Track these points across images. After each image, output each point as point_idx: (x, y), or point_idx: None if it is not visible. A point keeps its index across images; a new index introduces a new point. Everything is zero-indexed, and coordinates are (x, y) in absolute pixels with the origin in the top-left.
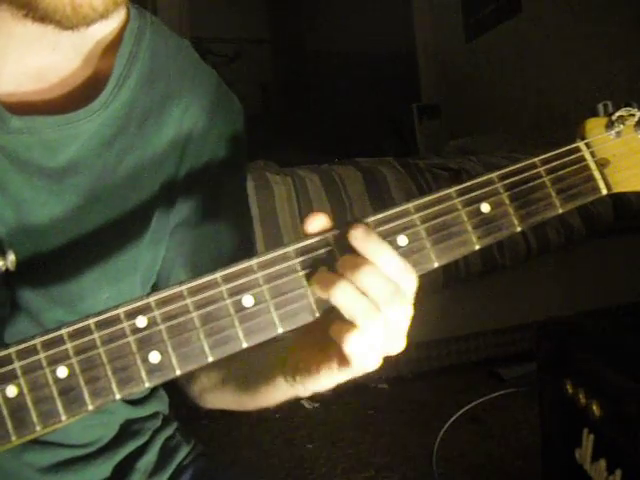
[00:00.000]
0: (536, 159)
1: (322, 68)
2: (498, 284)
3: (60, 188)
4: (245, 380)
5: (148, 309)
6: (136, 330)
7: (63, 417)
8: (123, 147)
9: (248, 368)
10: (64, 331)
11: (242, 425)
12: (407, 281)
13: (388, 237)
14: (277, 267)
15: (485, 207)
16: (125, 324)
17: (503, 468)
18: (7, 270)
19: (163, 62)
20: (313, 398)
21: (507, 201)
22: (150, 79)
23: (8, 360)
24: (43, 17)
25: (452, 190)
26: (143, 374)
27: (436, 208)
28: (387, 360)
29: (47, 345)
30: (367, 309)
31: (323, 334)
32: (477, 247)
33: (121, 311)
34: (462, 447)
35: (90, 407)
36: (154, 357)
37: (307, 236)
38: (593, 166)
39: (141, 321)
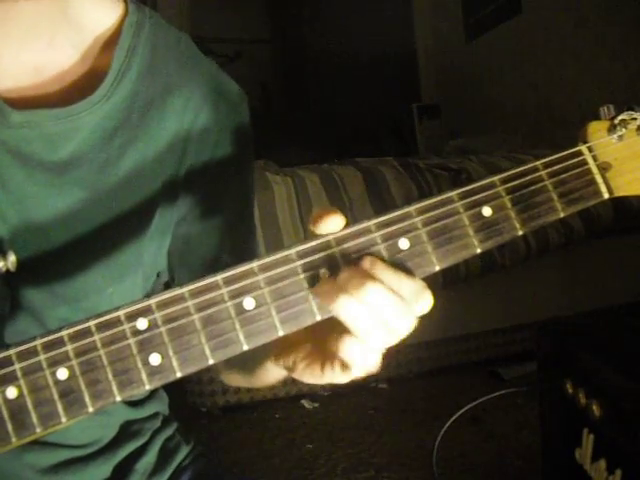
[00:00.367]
0: (538, 162)
1: (322, 68)
2: (498, 284)
3: (62, 182)
4: (244, 365)
5: (149, 311)
6: (137, 332)
7: (63, 419)
8: (125, 140)
9: (243, 355)
10: (64, 333)
11: (242, 425)
12: (422, 303)
13: (390, 240)
14: (278, 269)
15: (487, 211)
16: (126, 326)
17: (503, 468)
18: (7, 270)
19: (163, 54)
20: (313, 398)
21: (509, 205)
22: (151, 72)
23: (8, 362)
24: None
25: (454, 193)
26: (144, 376)
27: (438, 211)
28: (387, 360)
29: (47, 347)
30: (371, 325)
31: (321, 333)
32: (478, 251)
33: (122, 313)
34: (462, 447)
35: (90, 409)
36: (155, 359)
37: (313, 235)
38: (595, 170)
39: (142, 323)
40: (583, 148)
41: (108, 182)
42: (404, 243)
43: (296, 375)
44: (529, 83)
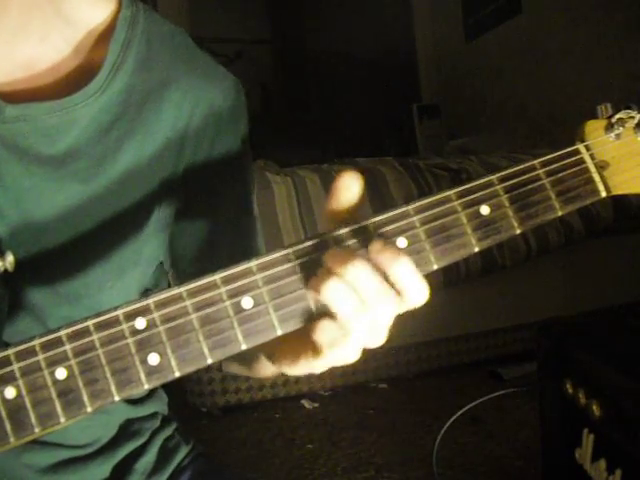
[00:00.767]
0: (536, 161)
1: (322, 68)
2: (498, 284)
3: (60, 176)
4: (242, 359)
5: (147, 311)
6: (135, 332)
7: (62, 419)
8: (122, 133)
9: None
10: (63, 332)
11: (242, 425)
12: (414, 294)
13: (388, 239)
14: (277, 269)
15: (485, 209)
16: (124, 326)
17: (503, 468)
18: (6, 271)
19: (158, 48)
20: (313, 398)
21: (507, 203)
22: (147, 65)
23: (7, 362)
24: None
25: (452, 192)
26: (142, 376)
27: (436, 210)
28: (387, 360)
29: (46, 346)
30: (350, 306)
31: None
32: (476, 249)
33: (120, 313)
34: (462, 447)
35: (89, 409)
36: (153, 359)
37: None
38: (592, 168)
39: (140, 323)
40: (581, 147)
41: (106, 176)
42: (402, 242)
43: (277, 365)
44: (529, 83)
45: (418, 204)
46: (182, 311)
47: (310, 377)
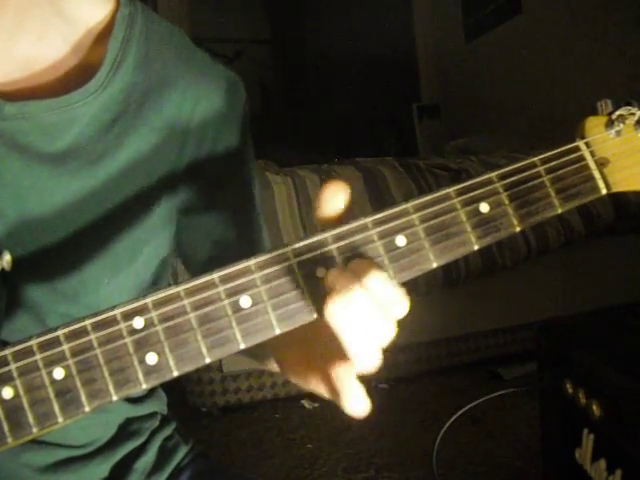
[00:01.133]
0: (535, 158)
1: (322, 68)
2: (498, 284)
3: (60, 173)
4: (251, 355)
5: (145, 310)
6: (133, 331)
7: (60, 419)
8: (123, 131)
9: None
10: (60, 332)
11: (242, 425)
12: (398, 309)
13: (386, 237)
14: (275, 268)
15: (484, 207)
16: (122, 325)
17: (503, 468)
18: (3, 270)
19: (157, 46)
20: (313, 398)
21: (506, 201)
22: (146, 63)
23: (4, 362)
24: None
25: (451, 190)
26: (140, 375)
27: (435, 208)
28: (387, 360)
29: (43, 346)
30: (354, 333)
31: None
32: (476, 247)
33: (118, 312)
34: (462, 447)
35: (87, 409)
36: (151, 358)
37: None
38: (593, 165)
39: (138, 322)
40: (581, 144)
41: (106, 173)
42: (401, 240)
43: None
44: (529, 83)
45: (417, 202)
46: (180, 310)
47: None
